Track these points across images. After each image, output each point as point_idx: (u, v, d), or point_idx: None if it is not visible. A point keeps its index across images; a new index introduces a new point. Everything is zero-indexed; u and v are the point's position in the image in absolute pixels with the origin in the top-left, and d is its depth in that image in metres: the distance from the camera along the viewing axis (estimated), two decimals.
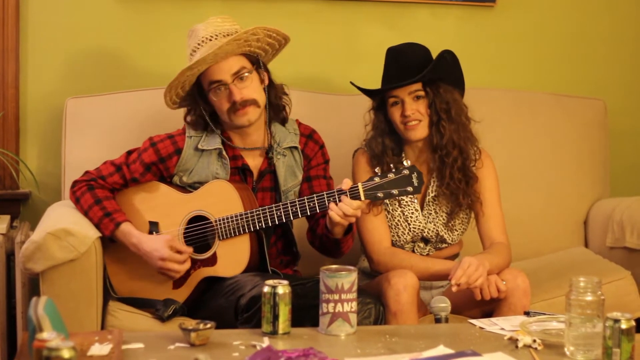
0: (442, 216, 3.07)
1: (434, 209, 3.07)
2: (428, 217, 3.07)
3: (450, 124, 2.99)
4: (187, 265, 2.88)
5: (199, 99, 2.99)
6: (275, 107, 3.03)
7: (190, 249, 2.89)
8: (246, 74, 2.93)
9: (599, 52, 4.03)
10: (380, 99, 3.06)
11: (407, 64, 2.99)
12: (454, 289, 2.77)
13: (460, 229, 3.09)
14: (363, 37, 3.83)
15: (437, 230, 3.06)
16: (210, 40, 2.90)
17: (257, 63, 2.99)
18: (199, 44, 2.92)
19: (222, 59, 2.91)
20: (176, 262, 2.86)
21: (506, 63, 3.97)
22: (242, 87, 2.92)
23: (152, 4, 3.68)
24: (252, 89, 2.94)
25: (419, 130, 2.99)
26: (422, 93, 2.99)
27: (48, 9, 3.60)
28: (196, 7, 3.69)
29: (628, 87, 4.07)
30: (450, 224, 3.07)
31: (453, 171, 3.02)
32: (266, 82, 3.00)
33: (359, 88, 3.08)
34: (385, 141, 3.05)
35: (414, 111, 2.97)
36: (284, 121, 3.05)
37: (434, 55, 3.00)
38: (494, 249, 3.00)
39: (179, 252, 2.87)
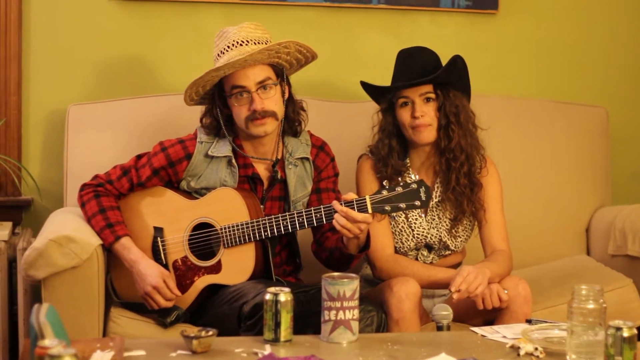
0: (445, 222, 3.07)
1: (437, 214, 3.07)
2: (431, 223, 3.07)
3: (458, 128, 3.00)
4: (169, 304, 2.88)
5: (218, 100, 2.98)
6: (291, 121, 3.03)
7: (179, 293, 2.89)
8: (270, 85, 2.94)
9: (600, 59, 4.04)
10: (389, 101, 3.06)
11: (419, 66, 3.00)
12: (455, 296, 2.77)
13: (463, 236, 3.09)
14: (364, 44, 3.84)
15: (440, 236, 3.06)
16: (241, 45, 2.89)
17: (282, 75, 2.99)
18: (228, 47, 2.91)
19: (249, 66, 2.91)
20: (163, 296, 2.86)
21: (508, 70, 3.97)
22: (264, 98, 2.91)
23: (154, 12, 3.68)
24: (273, 100, 2.93)
25: (427, 133, 3.00)
26: (432, 95, 2.99)
27: (50, 16, 3.61)
28: (197, 15, 3.70)
29: (630, 94, 4.07)
30: (453, 231, 3.07)
31: (459, 176, 3.02)
32: (287, 95, 3.00)
33: (369, 86, 3.08)
34: (392, 143, 3.06)
35: (423, 113, 2.98)
36: (296, 134, 3.05)
37: (443, 61, 3.02)
38: (494, 257, 3.00)
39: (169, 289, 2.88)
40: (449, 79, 3.00)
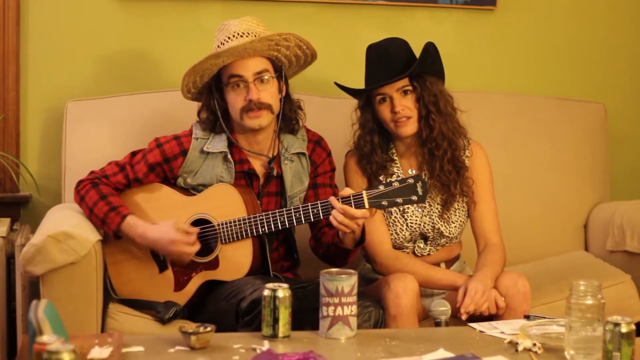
0: (436, 208, 3.06)
1: (428, 202, 3.06)
2: (423, 211, 3.06)
3: (439, 117, 3.00)
4: (197, 246, 2.88)
5: (215, 92, 2.98)
6: (288, 120, 3.03)
7: (196, 229, 2.88)
8: (267, 77, 2.93)
9: (599, 55, 4.04)
10: (366, 97, 3.06)
11: (391, 60, 3.00)
12: (464, 317, 2.77)
13: (457, 222, 3.08)
14: (362, 40, 3.80)
15: (433, 223, 3.05)
16: (242, 36, 2.89)
17: (280, 72, 2.99)
18: (228, 38, 2.91)
19: (248, 56, 2.91)
20: (186, 243, 2.86)
21: (506, 67, 3.97)
22: (261, 89, 2.92)
23: (153, 8, 3.68)
24: (270, 93, 2.93)
25: (410, 126, 3.00)
26: (409, 88, 2.99)
27: (48, 12, 3.61)
28: (196, 11, 3.69)
29: (628, 91, 4.07)
30: (445, 216, 3.06)
31: (443, 163, 3.02)
32: (283, 93, 3.00)
33: (344, 88, 3.08)
34: (374, 139, 3.06)
35: (403, 107, 2.98)
36: (293, 132, 3.05)
37: (413, 47, 3.02)
38: (490, 257, 2.97)
39: (187, 233, 2.87)
40: (424, 69, 3.00)
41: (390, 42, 3.05)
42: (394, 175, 3.06)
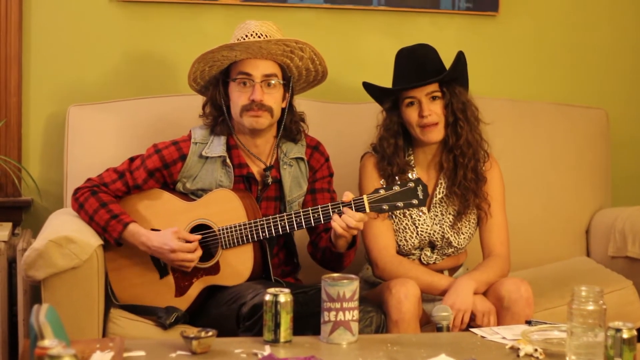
0: (448, 218, 3.06)
1: (440, 210, 3.06)
2: (435, 219, 3.06)
3: (466, 124, 3.01)
4: (199, 253, 2.88)
5: (221, 86, 2.99)
6: (289, 130, 3.03)
7: (197, 237, 2.89)
8: (275, 82, 2.94)
9: (600, 61, 4.04)
10: (393, 100, 3.06)
11: (422, 64, 3.00)
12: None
13: (466, 233, 3.08)
14: (364, 46, 3.84)
15: (443, 232, 3.05)
16: (260, 37, 2.90)
17: (288, 81, 3.00)
18: (246, 35, 2.92)
19: (261, 56, 2.93)
20: (187, 251, 2.86)
21: (508, 72, 3.97)
22: (266, 92, 2.92)
23: (155, 13, 3.68)
24: (273, 98, 2.94)
25: (436, 132, 3.00)
26: (438, 94, 3.00)
27: (50, 17, 3.61)
28: (198, 15, 3.70)
29: (630, 96, 4.07)
30: (456, 227, 3.06)
31: (467, 171, 3.02)
32: (286, 103, 3.01)
33: (374, 87, 3.06)
34: (398, 142, 3.05)
35: (431, 112, 2.98)
36: (294, 142, 3.05)
37: (442, 56, 3.04)
38: (486, 262, 3.00)
39: (188, 241, 2.87)
40: (455, 76, 3.00)
41: (422, 47, 3.06)
42: None
